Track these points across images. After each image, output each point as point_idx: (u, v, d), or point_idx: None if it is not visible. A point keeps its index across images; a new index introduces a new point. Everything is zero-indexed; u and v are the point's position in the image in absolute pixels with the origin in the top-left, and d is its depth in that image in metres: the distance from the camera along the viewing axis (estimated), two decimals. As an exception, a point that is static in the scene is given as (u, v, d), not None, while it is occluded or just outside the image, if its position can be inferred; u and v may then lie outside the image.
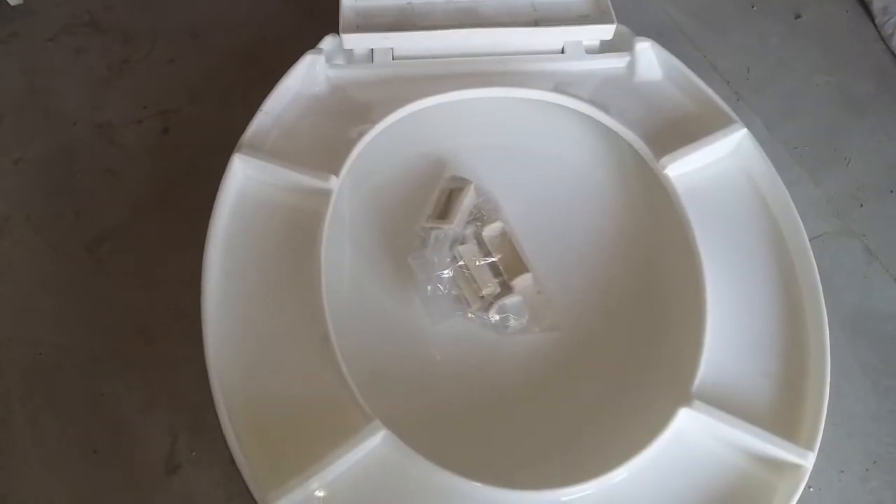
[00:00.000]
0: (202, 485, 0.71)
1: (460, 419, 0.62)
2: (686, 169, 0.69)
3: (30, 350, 0.78)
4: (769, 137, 0.97)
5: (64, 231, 0.86)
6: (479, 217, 0.69)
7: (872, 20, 1.10)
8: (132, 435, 0.73)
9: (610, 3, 0.79)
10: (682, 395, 0.57)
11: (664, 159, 0.68)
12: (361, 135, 0.68)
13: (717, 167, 0.71)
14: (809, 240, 0.66)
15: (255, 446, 0.54)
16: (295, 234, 0.64)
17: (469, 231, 0.69)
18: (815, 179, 0.94)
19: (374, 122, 0.69)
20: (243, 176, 0.66)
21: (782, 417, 0.58)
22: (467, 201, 0.68)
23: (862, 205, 0.93)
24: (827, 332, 0.61)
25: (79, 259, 0.84)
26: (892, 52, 1.07)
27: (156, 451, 0.72)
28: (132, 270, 0.83)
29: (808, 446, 0.56)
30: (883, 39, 1.08)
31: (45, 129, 0.94)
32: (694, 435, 0.56)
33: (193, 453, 0.72)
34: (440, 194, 0.70)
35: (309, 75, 0.73)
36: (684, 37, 1.07)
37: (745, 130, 0.71)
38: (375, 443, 0.53)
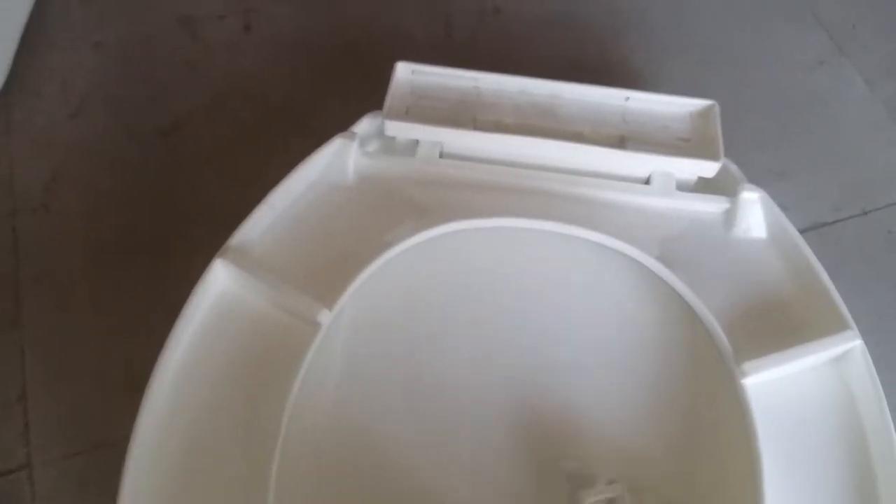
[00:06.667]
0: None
1: None
2: (770, 377, 0.55)
3: (97, 225, 0.79)
4: (870, 97, 0.93)
5: (138, 115, 0.88)
6: None
7: None
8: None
9: (720, 134, 0.63)
10: None
11: (747, 365, 0.53)
12: (379, 252, 0.56)
13: (809, 375, 0.56)
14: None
15: None
16: (269, 363, 0.52)
17: None
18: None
19: (392, 243, 0.56)
20: (224, 283, 0.55)
21: None
22: None
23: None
24: None
25: (151, 143, 0.86)
26: None
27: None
28: (205, 160, 0.84)
29: None
30: None
31: (127, 16, 0.95)
32: None
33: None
34: None
35: (335, 163, 0.60)
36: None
37: (859, 342, 0.55)
38: None
